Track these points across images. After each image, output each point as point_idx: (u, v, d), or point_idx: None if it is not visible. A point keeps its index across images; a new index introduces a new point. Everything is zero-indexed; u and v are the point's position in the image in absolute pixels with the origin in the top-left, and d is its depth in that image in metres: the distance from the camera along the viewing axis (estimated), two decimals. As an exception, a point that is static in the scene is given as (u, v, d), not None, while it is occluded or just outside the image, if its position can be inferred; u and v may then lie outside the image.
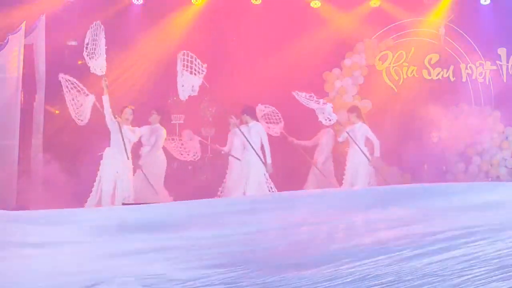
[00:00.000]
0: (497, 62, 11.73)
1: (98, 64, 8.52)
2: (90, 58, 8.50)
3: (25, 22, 9.26)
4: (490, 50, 11.67)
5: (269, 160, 9.11)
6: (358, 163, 9.85)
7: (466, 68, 11.81)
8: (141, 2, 11.54)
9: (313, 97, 9.64)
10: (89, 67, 8.53)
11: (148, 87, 10.85)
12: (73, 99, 8.84)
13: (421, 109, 11.14)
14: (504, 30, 11.35)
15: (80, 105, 8.81)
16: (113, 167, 8.69)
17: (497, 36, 11.46)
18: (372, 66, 12.09)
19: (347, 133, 9.83)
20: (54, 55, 10.04)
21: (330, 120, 9.63)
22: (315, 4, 11.94)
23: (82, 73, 9.30)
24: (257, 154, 9.09)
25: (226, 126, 10.87)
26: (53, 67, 9.98)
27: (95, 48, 8.49)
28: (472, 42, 11.73)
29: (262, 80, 10.23)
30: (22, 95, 9.37)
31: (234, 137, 9.59)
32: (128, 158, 8.72)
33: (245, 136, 9.11)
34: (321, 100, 9.69)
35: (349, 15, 11.84)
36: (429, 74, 11.97)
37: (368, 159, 9.83)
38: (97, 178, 8.68)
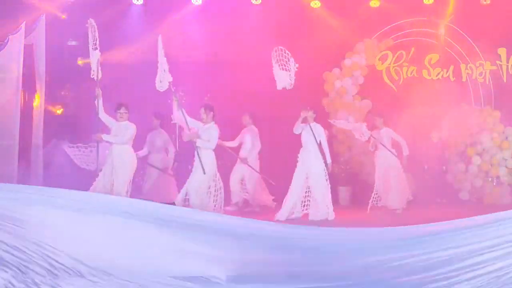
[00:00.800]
0: (497, 62, 11.73)
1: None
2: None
3: (25, 22, 9.26)
4: (490, 50, 11.67)
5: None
6: (388, 165, 10.07)
7: (466, 68, 11.82)
8: (141, 2, 11.55)
9: (348, 119, 10.88)
10: None
11: (148, 87, 10.83)
12: None
13: (421, 109, 11.14)
14: (504, 30, 11.34)
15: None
16: None
17: (497, 36, 11.45)
18: (372, 66, 12.10)
19: (373, 136, 10.11)
20: (54, 55, 10.04)
21: (365, 137, 10.14)
22: (315, 4, 11.95)
23: (82, 73, 9.31)
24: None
25: (226, 126, 10.86)
26: (53, 67, 10.00)
27: None
28: (472, 42, 11.73)
29: (262, 80, 10.22)
30: (22, 95, 9.37)
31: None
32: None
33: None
34: (362, 124, 10.22)
35: (349, 15, 11.83)
36: (429, 74, 11.98)
37: (398, 159, 10.14)
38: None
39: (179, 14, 11.57)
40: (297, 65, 8.99)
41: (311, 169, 9.19)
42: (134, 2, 11.55)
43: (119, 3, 11.44)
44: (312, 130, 9.24)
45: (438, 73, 11.95)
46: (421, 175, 11.63)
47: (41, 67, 9.72)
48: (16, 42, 9.17)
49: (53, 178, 10.05)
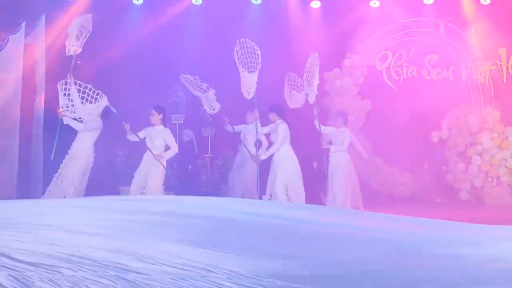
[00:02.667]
0: (497, 62, 11.73)
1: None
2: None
3: (25, 22, 9.25)
4: (490, 50, 11.67)
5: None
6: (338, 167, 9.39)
7: (466, 68, 11.81)
8: (141, 3, 11.55)
9: (198, 80, 9.28)
10: None
11: (148, 87, 10.83)
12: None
13: (421, 109, 11.15)
14: (504, 30, 11.35)
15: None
16: None
17: (497, 36, 11.46)
18: (372, 66, 12.10)
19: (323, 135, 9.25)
20: (54, 55, 10.03)
21: (213, 109, 9.24)
22: (315, 4, 11.95)
23: (81, 73, 9.29)
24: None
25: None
26: (53, 67, 9.98)
27: None
28: (472, 42, 11.73)
29: (261, 80, 10.21)
30: (22, 95, 9.37)
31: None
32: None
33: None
34: (204, 84, 9.27)
35: (349, 15, 11.83)
36: (429, 74, 11.97)
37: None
38: None
39: (179, 14, 11.56)
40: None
41: None
42: (134, 2, 11.54)
43: (119, 3, 11.42)
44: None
45: (438, 73, 11.95)
46: (421, 175, 11.65)
47: (41, 67, 9.72)
48: (16, 42, 9.16)
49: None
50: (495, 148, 11.26)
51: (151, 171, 8.44)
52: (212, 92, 9.29)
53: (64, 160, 8.32)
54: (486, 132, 11.30)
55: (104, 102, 8.36)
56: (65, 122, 8.26)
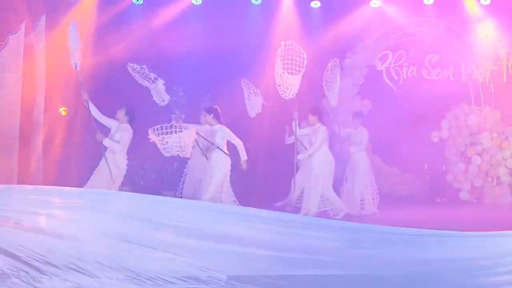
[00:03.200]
0: (497, 62, 11.72)
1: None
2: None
3: (25, 22, 9.26)
4: (490, 50, 11.67)
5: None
6: (358, 166, 9.67)
7: (466, 68, 11.81)
8: (141, 3, 11.55)
9: (145, 69, 8.84)
10: None
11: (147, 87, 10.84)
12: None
13: (421, 109, 11.15)
14: (504, 30, 11.35)
15: None
16: None
17: (497, 36, 11.46)
18: (372, 66, 12.11)
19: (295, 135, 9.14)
20: (54, 55, 10.04)
21: (163, 101, 8.93)
22: (315, 4, 11.95)
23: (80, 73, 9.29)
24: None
25: (225, 125, 10.83)
26: (53, 67, 9.99)
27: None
28: (472, 42, 11.73)
29: (261, 80, 10.22)
30: (22, 95, 9.37)
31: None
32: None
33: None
34: (152, 74, 8.85)
35: (349, 15, 11.83)
36: (429, 74, 11.97)
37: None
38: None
39: (179, 14, 11.56)
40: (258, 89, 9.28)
41: None
42: (134, 2, 11.54)
43: (119, 3, 11.43)
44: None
45: (438, 73, 11.95)
46: (421, 175, 11.65)
47: (41, 67, 9.72)
48: (16, 42, 9.17)
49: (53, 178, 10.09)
50: (495, 148, 11.25)
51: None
52: (161, 82, 8.87)
53: (95, 172, 8.24)
54: (486, 132, 11.30)
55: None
56: (105, 144, 8.13)
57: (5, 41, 9.16)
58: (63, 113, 10.75)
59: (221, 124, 8.62)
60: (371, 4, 11.89)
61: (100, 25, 10.87)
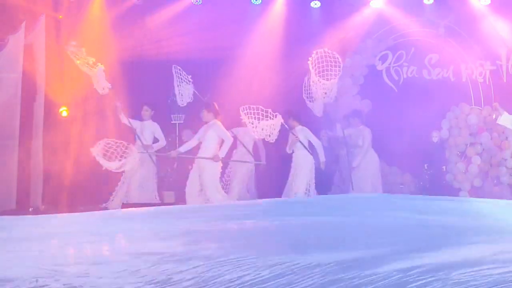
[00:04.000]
0: (497, 62, 11.72)
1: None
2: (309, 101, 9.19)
3: (25, 22, 9.25)
4: (490, 50, 11.66)
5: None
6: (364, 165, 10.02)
7: (466, 68, 11.80)
8: (141, 2, 11.54)
9: (83, 52, 8.60)
10: None
11: (147, 87, 10.85)
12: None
13: (421, 109, 11.14)
14: (504, 30, 11.33)
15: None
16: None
17: (497, 36, 11.45)
18: (372, 66, 12.10)
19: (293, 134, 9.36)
20: (54, 55, 10.04)
21: (103, 89, 8.75)
22: (315, 4, 11.95)
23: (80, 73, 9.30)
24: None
25: (225, 125, 10.81)
26: (53, 67, 9.99)
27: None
28: (472, 42, 11.72)
29: (261, 80, 10.22)
30: (22, 95, 9.36)
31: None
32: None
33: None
34: (91, 59, 8.61)
35: (349, 15, 11.82)
36: (429, 74, 11.97)
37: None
38: None
39: (178, 14, 11.56)
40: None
41: None
42: (135, 2, 11.53)
43: (119, 3, 11.42)
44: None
45: (438, 73, 11.94)
46: (421, 175, 11.64)
47: (41, 67, 9.72)
48: (16, 42, 9.16)
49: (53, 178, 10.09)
50: (495, 148, 11.25)
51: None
52: (100, 68, 8.63)
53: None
54: (486, 132, 11.29)
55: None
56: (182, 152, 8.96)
57: (5, 41, 9.16)
58: (64, 113, 10.74)
59: (302, 125, 9.29)
60: (371, 4, 11.88)
61: (100, 24, 10.86)
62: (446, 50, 11.84)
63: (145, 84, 11.02)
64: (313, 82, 8.88)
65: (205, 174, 8.72)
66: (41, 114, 9.97)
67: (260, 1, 11.78)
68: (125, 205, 8.81)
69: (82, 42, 9.27)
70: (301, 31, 11.66)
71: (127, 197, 9.35)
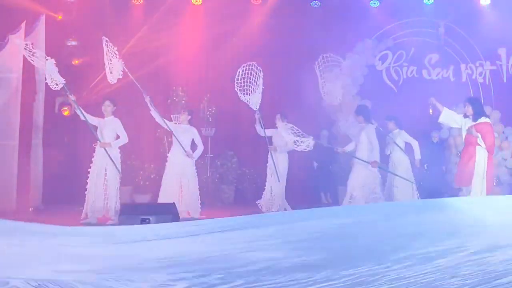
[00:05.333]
0: (497, 62, 11.72)
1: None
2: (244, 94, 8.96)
3: (25, 22, 9.24)
4: (490, 50, 11.66)
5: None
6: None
7: (466, 68, 11.80)
8: (141, 2, 11.54)
9: (29, 45, 8.34)
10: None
11: (147, 87, 10.84)
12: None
13: (421, 109, 11.13)
14: (504, 30, 11.33)
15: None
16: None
17: (497, 36, 11.45)
18: (372, 66, 12.10)
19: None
20: (54, 55, 10.03)
21: (57, 85, 8.36)
22: (315, 4, 11.94)
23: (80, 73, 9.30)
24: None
25: (225, 125, 10.87)
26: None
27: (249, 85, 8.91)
28: (472, 42, 11.72)
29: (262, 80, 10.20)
30: (22, 95, 9.36)
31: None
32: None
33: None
34: (38, 51, 8.33)
35: (349, 15, 11.81)
36: (429, 74, 11.97)
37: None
38: None
39: (178, 14, 11.55)
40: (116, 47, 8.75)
41: None
42: (134, 2, 11.54)
43: (119, 3, 11.42)
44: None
45: (438, 73, 11.94)
46: (421, 175, 11.63)
47: (41, 67, 9.71)
48: (16, 42, 9.15)
49: (53, 178, 10.08)
50: (495, 148, 11.23)
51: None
52: (51, 61, 8.28)
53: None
54: (486, 132, 11.28)
55: None
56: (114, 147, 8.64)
57: (5, 41, 9.15)
58: (65, 113, 10.74)
59: (400, 129, 9.67)
60: (371, 4, 11.88)
61: (99, 24, 10.84)
62: (446, 50, 11.85)
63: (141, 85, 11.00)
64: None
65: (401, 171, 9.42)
66: (41, 114, 9.97)
67: (260, 1, 11.78)
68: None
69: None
70: (300, 31, 11.65)
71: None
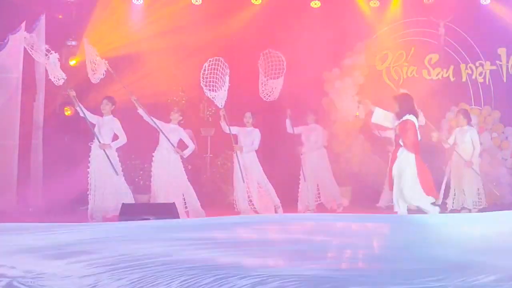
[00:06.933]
0: (497, 62, 11.72)
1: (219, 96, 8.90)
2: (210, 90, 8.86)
3: (25, 22, 9.25)
4: (490, 50, 11.67)
5: None
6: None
7: (466, 68, 11.81)
8: (141, 2, 11.53)
9: (34, 38, 8.54)
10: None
11: (147, 87, 10.84)
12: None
13: (421, 109, 11.12)
14: (504, 30, 11.34)
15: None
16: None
17: (497, 36, 11.46)
18: (372, 66, 12.10)
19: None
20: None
21: (58, 80, 8.50)
22: (315, 4, 11.94)
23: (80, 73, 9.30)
24: None
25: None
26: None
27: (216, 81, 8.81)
28: (472, 42, 11.72)
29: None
30: (22, 95, 9.37)
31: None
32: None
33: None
34: (44, 46, 8.44)
35: (349, 15, 11.82)
36: (429, 74, 11.97)
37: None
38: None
39: (178, 14, 11.55)
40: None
41: None
42: (134, 2, 11.54)
43: (119, 3, 11.42)
44: None
45: (438, 73, 11.95)
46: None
47: (41, 67, 9.71)
48: (16, 42, 9.16)
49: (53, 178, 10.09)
50: (495, 148, 11.24)
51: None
52: (54, 56, 8.36)
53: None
54: (486, 132, 11.29)
55: None
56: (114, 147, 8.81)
57: (5, 41, 9.16)
58: (67, 112, 10.75)
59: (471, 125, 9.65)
60: (371, 4, 11.88)
61: (99, 24, 10.85)
62: (446, 50, 11.85)
63: (142, 85, 11.01)
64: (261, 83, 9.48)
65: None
66: (41, 114, 9.97)
67: (260, 1, 11.78)
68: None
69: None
70: (301, 31, 11.64)
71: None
